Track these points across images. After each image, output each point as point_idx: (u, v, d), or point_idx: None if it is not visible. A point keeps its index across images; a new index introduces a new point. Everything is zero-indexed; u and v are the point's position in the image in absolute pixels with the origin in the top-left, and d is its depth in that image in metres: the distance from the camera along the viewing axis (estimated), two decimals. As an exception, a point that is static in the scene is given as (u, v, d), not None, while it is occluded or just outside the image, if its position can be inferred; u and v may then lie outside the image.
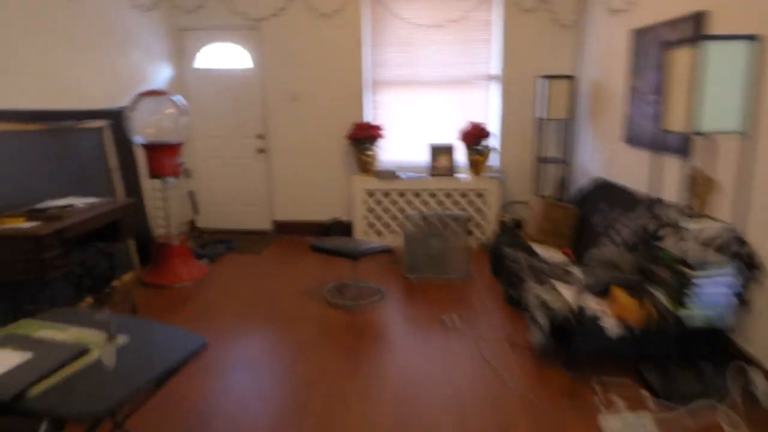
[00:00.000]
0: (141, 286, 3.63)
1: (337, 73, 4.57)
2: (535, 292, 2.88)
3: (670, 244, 2.51)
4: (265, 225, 5.05)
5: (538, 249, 3.83)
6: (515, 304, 3.35)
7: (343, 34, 4.48)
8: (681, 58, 2.10)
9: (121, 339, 1.39)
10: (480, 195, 4.49)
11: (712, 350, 2.49)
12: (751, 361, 2.31)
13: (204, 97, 4.78)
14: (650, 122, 3.17)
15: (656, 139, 3.14)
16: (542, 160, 4.41)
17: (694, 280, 2.07)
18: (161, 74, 4.46)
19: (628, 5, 3.42)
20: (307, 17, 4.47)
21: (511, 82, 4.46)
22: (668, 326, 2.52)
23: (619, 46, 3.58)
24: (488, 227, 4.52)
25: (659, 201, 3.08)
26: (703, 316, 2.13)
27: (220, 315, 3.20)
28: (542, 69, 4.42)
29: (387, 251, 3.43)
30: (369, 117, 4.71)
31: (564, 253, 3.84)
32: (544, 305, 2.68)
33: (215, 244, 4.54)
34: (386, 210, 4.58)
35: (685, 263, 2.12)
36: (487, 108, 4.60)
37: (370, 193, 4.55)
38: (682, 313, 2.14)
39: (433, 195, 4.52)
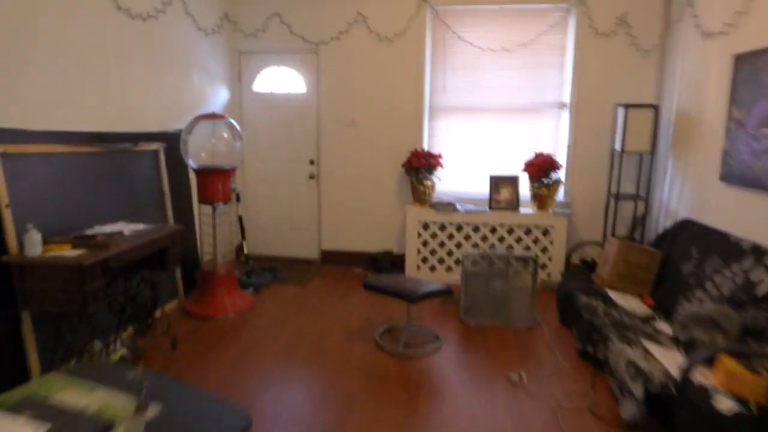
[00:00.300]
0: (184, 316, 3.47)
1: (396, 99, 4.38)
2: (625, 355, 2.47)
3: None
4: (313, 254, 4.86)
5: (615, 296, 3.40)
6: (592, 360, 2.94)
7: (405, 59, 4.29)
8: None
9: (152, 410, 1.16)
10: (546, 232, 4.11)
11: None
12: None
13: (258, 121, 4.70)
14: (758, 159, 2.74)
15: (765, 178, 2.70)
16: (616, 197, 4.00)
17: None
18: (219, 97, 4.41)
19: (728, 27, 3.04)
20: (367, 41, 4.32)
21: (582, 111, 4.11)
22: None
23: (716, 73, 3.18)
24: (554, 268, 4.13)
25: (766, 250, 2.63)
26: None
27: (262, 355, 2.97)
28: (618, 97, 4.04)
29: (447, 293, 3.11)
30: (428, 145, 4.47)
31: (644, 302, 3.39)
32: (640, 373, 2.27)
33: (262, 272, 4.37)
34: (441, 244, 4.28)
35: None
36: (556, 138, 4.26)
37: (425, 226, 4.27)
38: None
39: (493, 230, 4.19)
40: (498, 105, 4.27)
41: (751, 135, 2.80)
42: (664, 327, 3.01)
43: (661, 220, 3.94)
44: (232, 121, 3.57)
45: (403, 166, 4.31)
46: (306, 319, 3.50)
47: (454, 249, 4.26)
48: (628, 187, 4.16)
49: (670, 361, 2.53)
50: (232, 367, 2.81)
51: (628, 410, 2.22)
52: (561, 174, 4.17)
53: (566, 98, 4.16)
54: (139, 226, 2.60)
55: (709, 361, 2.54)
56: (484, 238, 4.21)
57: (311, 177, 4.70)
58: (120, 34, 3.14)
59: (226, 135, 3.57)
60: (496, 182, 4.22)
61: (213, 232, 3.62)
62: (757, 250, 2.73)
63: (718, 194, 3.20)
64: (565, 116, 4.19)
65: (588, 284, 3.51)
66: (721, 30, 3.11)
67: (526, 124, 4.26)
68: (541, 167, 3.96)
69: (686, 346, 2.74)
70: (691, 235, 3.33)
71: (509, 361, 2.93)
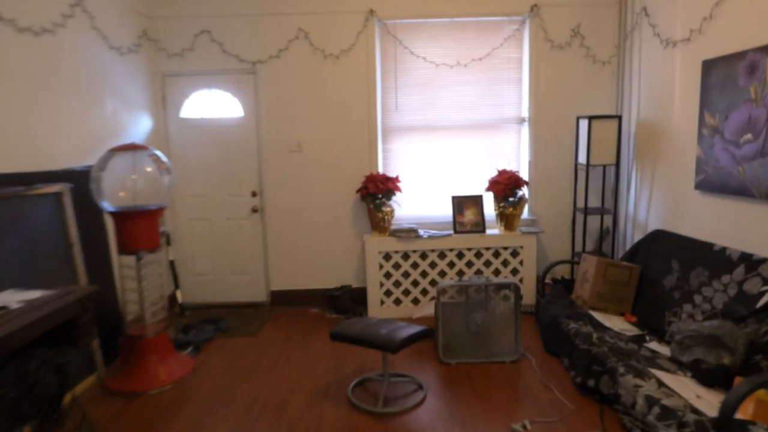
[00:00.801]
0: (105, 396, 2.80)
1: (345, 120, 4.00)
2: (640, 390, 2.19)
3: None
4: (260, 296, 4.29)
5: (600, 317, 3.18)
6: (593, 394, 2.65)
7: (353, 76, 3.94)
8: None
9: None
10: (515, 253, 3.86)
11: None
12: None
13: (189, 151, 4.12)
14: (742, 166, 2.63)
15: (751, 185, 2.59)
16: (584, 211, 3.84)
17: None
18: (139, 126, 3.81)
19: (694, 34, 2.97)
20: (311, 58, 3.93)
21: (542, 125, 3.95)
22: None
23: (683, 80, 3.10)
24: (526, 290, 3.87)
25: (764, 260, 2.49)
26: None
27: (215, 435, 2.40)
28: (578, 109, 3.93)
29: (429, 335, 2.72)
30: (383, 168, 4.11)
31: (627, 320, 3.20)
32: (668, 413, 1.98)
33: (201, 325, 3.75)
34: (406, 275, 3.90)
35: None
36: (518, 154, 4.06)
37: (387, 256, 3.88)
38: None
39: (460, 255, 3.88)
40: (455, 122, 4.02)
41: (731, 141, 2.69)
42: (658, 347, 2.81)
43: (629, 233, 3.82)
44: (157, 153, 3.01)
45: (358, 192, 3.92)
46: (261, 380, 2.95)
47: (419, 279, 3.90)
48: (592, 201, 4.03)
49: (687, 390, 2.29)
50: (174, 459, 2.22)
51: (662, 461, 1.91)
52: (524, 191, 3.97)
53: (525, 112, 3.99)
54: (35, 294, 1.99)
55: (718, 383, 2.33)
56: (451, 264, 3.89)
57: (254, 210, 4.17)
58: (11, 51, 2.53)
59: (149, 169, 2.99)
60: (460, 203, 3.93)
61: (138, 287, 3.00)
62: (747, 260, 2.59)
63: (694, 203, 3.09)
64: (525, 131, 4.02)
65: (570, 307, 3.27)
66: (685, 37, 3.04)
67: (485, 141, 4.03)
68: (506, 185, 3.72)
69: (692, 368, 2.53)
70: (668, 247, 3.19)
71: (505, 406, 2.57)
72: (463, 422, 2.44)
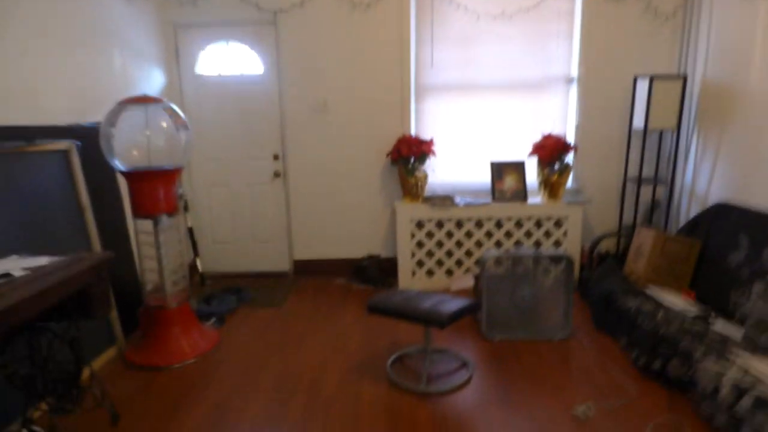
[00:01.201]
0: (127, 370, 2.60)
1: (376, 77, 3.67)
2: (726, 377, 1.94)
3: None
4: (283, 266, 4.06)
5: (657, 294, 2.92)
6: (657, 377, 2.41)
7: (385, 28, 3.59)
8: None
9: None
10: (558, 224, 3.58)
11: None
12: None
13: (205, 111, 3.83)
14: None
15: None
16: (633, 182, 3.53)
17: None
18: (151, 82, 3.51)
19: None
20: (338, 8, 3.58)
21: (593, 85, 3.60)
22: None
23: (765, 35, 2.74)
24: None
25: None
26: None
27: (243, 413, 2.19)
28: (633, 69, 3.57)
29: (476, 309, 2.47)
30: (416, 130, 3.80)
31: (685, 297, 2.93)
32: (764, 402, 1.73)
33: (223, 295, 3.53)
34: (439, 244, 3.64)
35: None
36: (564, 117, 3.72)
37: (419, 224, 3.61)
38: None
39: (498, 225, 3.60)
40: (496, 81, 3.67)
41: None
42: (725, 328, 2.55)
43: (684, 206, 3.52)
44: (173, 106, 2.73)
45: (389, 156, 3.62)
46: (290, 356, 2.74)
47: (454, 249, 3.64)
48: (645, 170, 3.71)
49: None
50: (204, 441, 2.02)
51: (764, 458, 1.67)
52: (571, 157, 3.65)
53: (574, 71, 3.64)
54: (42, 261, 1.74)
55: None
56: (489, 234, 3.62)
57: (276, 175, 3.90)
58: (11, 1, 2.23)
59: (165, 125, 2.71)
60: (499, 169, 3.63)
61: (157, 254, 2.76)
62: (842, 233, 2.30)
63: (769, 171, 2.77)
64: (573, 92, 3.67)
65: (624, 283, 3.00)
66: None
67: (529, 102, 3.69)
68: (552, 150, 3.41)
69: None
70: (735, 221, 2.89)
71: (560, 388, 2.34)
72: (516, 405, 2.21)
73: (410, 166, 3.55)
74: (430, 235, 3.63)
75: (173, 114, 2.71)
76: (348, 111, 3.73)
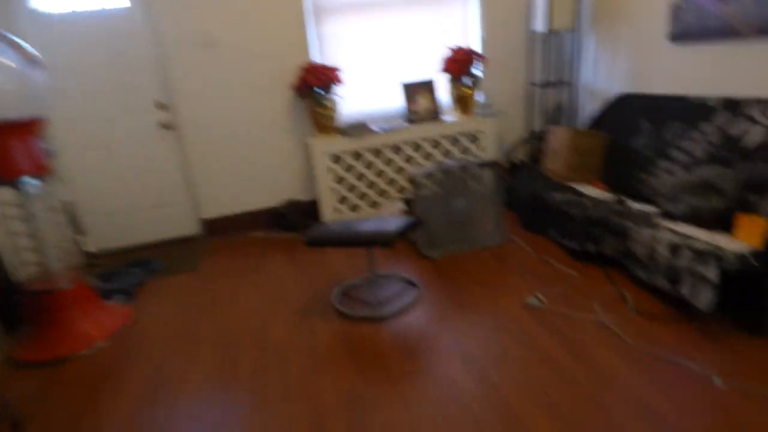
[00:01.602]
0: (20, 372, 2.14)
1: (266, 2, 3.27)
2: (662, 239, 2.06)
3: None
4: (190, 228, 3.64)
5: (577, 188, 3.05)
6: (593, 260, 2.54)
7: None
8: None
9: None
10: (474, 139, 3.58)
11: None
12: None
13: (58, 58, 3.16)
14: (728, 4, 2.48)
15: (737, 23, 2.46)
16: (540, 85, 3.61)
17: None
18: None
19: None
20: None
21: (488, -8, 3.55)
22: None
23: None
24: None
25: (756, 101, 2.42)
26: None
27: (184, 386, 1.91)
28: (520, -27, 3.57)
29: (419, 224, 2.37)
30: (320, 59, 3.50)
31: (599, 188, 3.12)
32: (703, 255, 1.86)
33: (126, 269, 3.07)
34: (359, 177, 3.47)
35: None
36: (468, 30, 3.64)
37: (336, 158, 3.40)
38: None
39: (417, 147, 3.51)
40: (394, -4, 3.47)
41: (710, -30, 2.51)
42: (642, 207, 2.74)
43: (587, 105, 3.69)
44: (15, 38, 2.17)
45: (295, 88, 3.31)
46: (224, 314, 2.45)
47: (375, 179, 3.50)
48: (549, 74, 3.80)
49: (698, 234, 2.21)
50: (140, 426, 1.72)
51: (707, 297, 1.80)
52: (480, 69, 3.62)
53: (470, -22, 3.55)
54: None
55: (714, 225, 2.28)
56: (408, 159, 3.52)
57: (165, 127, 3.39)
58: None
59: (12, 63, 2.15)
60: (411, 91, 3.50)
61: (29, 228, 2.26)
62: (731, 104, 2.52)
63: (665, 59, 2.95)
64: (475, 2, 3.58)
65: (546, 181, 3.10)
66: None
67: (431, 17, 3.54)
68: (463, 62, 3.34)
69: (688, 217, 2.48)
70: (635, 108, 3.08)
71: (509, 286, 2.36)
72: (472, 308, 2.19)
73: (319, 96, 3.28)
74: (349, 168, 3.44)
75: (19, 48, 2.15)
76: (241, 43, 3.31)
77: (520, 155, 3.89)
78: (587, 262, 2.54)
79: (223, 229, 3.64)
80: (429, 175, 2.76)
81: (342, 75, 3.38)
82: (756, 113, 2.38)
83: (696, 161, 2.62)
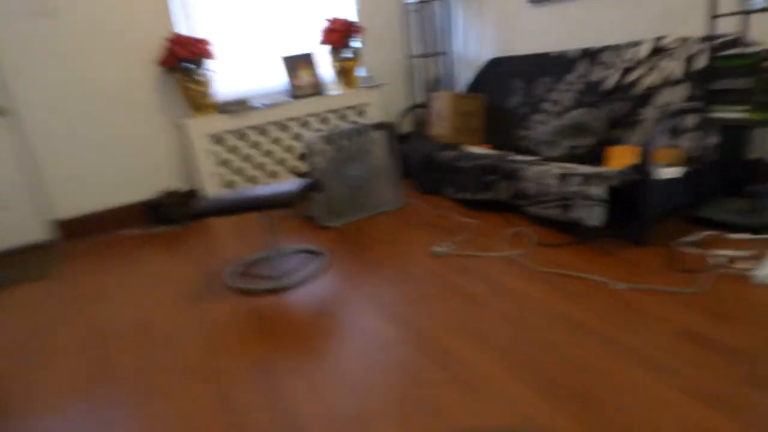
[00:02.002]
0: None
1: (114, -41, 2.88)
2: (551, 173, 2.19)
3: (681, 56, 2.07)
4: (37, 234, 3.06)
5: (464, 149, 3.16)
6: (489, 207, 2.63)
7: None
8: None
9: None
10: (361, 112, 3.55)
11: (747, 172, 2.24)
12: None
13: None
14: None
15: (580, -19, 2.73)
16: (417, 57, 3.70)
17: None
18: None
19: None
20: None
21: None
22: (726, 157, 2.16)
23: None
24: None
25: (609, 48, 2.70)
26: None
27: (40, 399, 1.56)
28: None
29: (320, 187, 2.24)
30: (183, 29, 3.17)
31: (483, 148, 3.27)
32: (590, 177, 2.00)
33: (-43, 283, 2.47)
34: (247, 158, 3.23)
35: None
36: (342, 3, 3.59)
37: (217, 139, 3.12)
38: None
39: (305, 124, 3.37)
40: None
41: (559, -64, 2.76)
42: (527, 158, 2.92)
43: (462, 73, 3.86)
44: None
45: (161, 63, 2.97)
46: (92, 315, 2.07)
47: (264, 159, 3.28)
48: (425, 46, 3.90)
49: (577, 168, 2.40)
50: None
51: (598, 215, 1.94)
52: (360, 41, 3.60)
53: (340, -50, 3.51)
54: None
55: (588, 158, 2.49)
56: (297, 138, 3.36)
57: (-3, 111, 2.81)
58: None
59: None
60: (292, 64, 3.35)
61: None
62: (587, 54, 2.79)
63: (527, 20, 3.19)
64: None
65: (435, 144, 3.16)
66: None
67: (304, -14, 3.43)
68: (343, 32, 3.28)
69: (567, 156, 2.68)
70: (507, 69, 3.29)
71: (414, 242, 2.34)
72: (380, 267, 2.12)
73: (190, 71, 2.98)
74: (233, 149, 3.18)
75: None
76: (89, 12, 2.87)
77: (407, 126, 3.95)
78: (485, 210, 2.62)
79: (86, 230, 3.13)
80: (324, 140, 2.64)
81: (214, 48, 3.11)
82: (609, 59, 2.66)
83: (566, 109, 2.85)
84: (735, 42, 2.03)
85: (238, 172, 3.23)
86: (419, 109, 3.89)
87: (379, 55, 3.76)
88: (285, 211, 3.09)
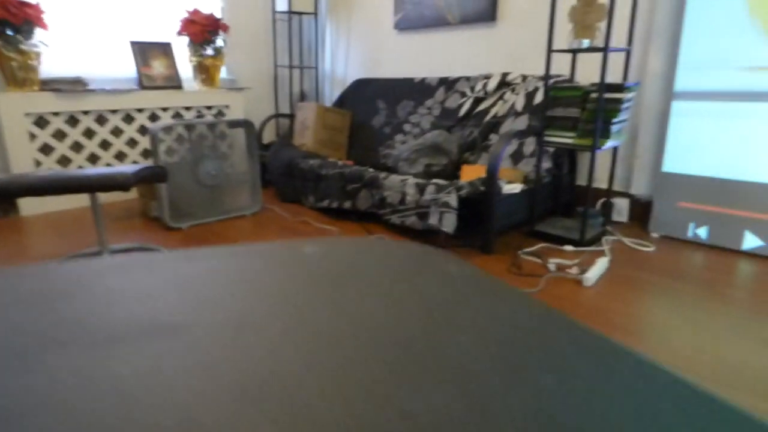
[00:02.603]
0: None
1: None
2: (408, 183, 2.26)
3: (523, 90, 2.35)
4: None
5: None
6: (346, 215, 2.61)
7: None
8: None
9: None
10: (221, 114, 3.32)
11: (573, 194, 2.57)
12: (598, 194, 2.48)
13: None
14: (433, -4, 2.96)
15: (447, 13, 2.97)
16: (285, 67, 3.63)
17: (624, 103, 1.96)
18: None
19: None
20: None
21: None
22: (559, 179, 2.44)
23: None
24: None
25: (464, 78, 2.94)
26: (615, 140, 2.07)
27: None
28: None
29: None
30: (2, -12, 2.66)
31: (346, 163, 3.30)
32: (443, 187, 2.10)
33: None
34: (77, 147, 2.78)
35: (614, 87, 1.97)
36: (209, 1, 3.38)
37: (42, 121, 2.64)
38: (604, 144, 2.01)
39: (153, 117, 3.04)
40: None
41: (426, -29, 2.97)
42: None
43: (328, 90, 3.88)
44: None
45: (-35, 18, 2.43)
46: None
47: (99, 152, 2.85)
48: (293, 58, 3.84)
49: (434, 181, 2.53)
50: None
51: (450, 222, 2.03)
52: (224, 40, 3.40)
53: (210, -57, 3.32)
54: None
55: (439, 175, 2.66)
56: (143, 130, 3.01)
57: None
58: None
59: None
60: (143, 51, 3.02)
61: None
62: (445, 82, 3.02)
63: (393, 45, 3.34)
64: (213, -33, 3.37)
65: (299, 152, 3.08)
66: None
67: (165, -30, 3.16)
68: (204, 26, 3.07)
69: (423, 174, 2.81)
70: (372, 90, 3.40)
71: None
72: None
73: (12, 38, 2.49)
74: (60, 135, 2.71)
75: None
76: None
77: (269, 134, 3.82)
78: (346, 219, 2.59)
79: None
80: (173, 130, 2.39)
81: (47, 18, 2.66)
82: (463, 88, 2.91)
83: (425, 131, 3.02)
84: (568, 80, 2.36)
85: (64, 161, 2.75)
86: (283, 119, 3.80)
87: (245, 58, 3.61)
88: (126, 208, 2.70)
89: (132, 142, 2.98)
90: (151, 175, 1.88)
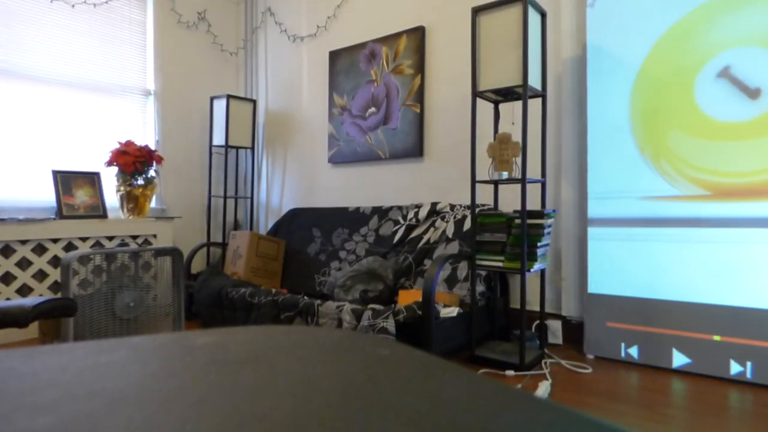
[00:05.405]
0: None
1: None
2: (346, 308, 2.19)
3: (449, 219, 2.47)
4: None
5: (258, 292, 3.01)
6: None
7: None
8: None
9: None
10: (147, 243, 3.17)
11: (509, 317, 2.58)
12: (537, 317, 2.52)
13: None
14: (368, 135, 3.20)
15: (378, 149, 3.19)
16: (219, 197, 3.63)
17: (545, 228, 2.09)
18: None
19: (317, 30, 3.47)
20: None
21: (171, 101, 3.54)
22: (493, 303, 2.45)
23: (313, 68, 3.53)
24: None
25: (396, 207, 3.08)
26: (542, 263, 2.16)
27: None
28: (210, 90, 3.77)
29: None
30: None
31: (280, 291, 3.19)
32: (381, 313, 2.05)
33: None
34: (-29, 281, 2.48)
35: (535, 214, 2.11)
36: (145, 129, 3.43)
37: (-70, 253, 2.36)
38: (532, 266, 2.09)
39: (69, 246, 2.83)
40: (56, 76, 3.02)
41: (358, 116, 3.24)
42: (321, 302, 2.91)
43: (262, 220, 3.89)
44: None
45: None
46: None
47: (1, 287, 2.56)
48: (229, 189, 3.87)
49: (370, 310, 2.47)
50: None
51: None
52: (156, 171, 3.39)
53: (151, 85, 3.47)
54: None
55: (377, 300, 2.61)
56: (55, 262, 2.78)
57: None
58: None
59: None
60: (67, 181, 2.92)
61: None
62: (378, 211, 3.13)
63: (328, 177, 3.49)
64: (152, 105, 3.48)
65: (230, 280, 2.95)
66: (311, 33, 3.50)
67: (102, 108, 3.20)
68: (136, 157, 3.06)
69: (359, 300, 2.75)
70: (307, 220, 3.44)
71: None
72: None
73: None
74: (-48, 266, 2.42)
75: None
76: None
77: (198, 265, 3.65)
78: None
79: None
80: (86, 258, 2.21)
81: (-37, 143, 2.55)
82: (396, 217, 3.01)
83: (360, 257, 3.03)
84: (492, 208, 2.52)
85: (-48, 298, 2.42)
86: (215, 248, 3.69)
87: (178, 188, 3.59)
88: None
89: (41, 275, 2.72)
90: (56, 308, 1.68)
